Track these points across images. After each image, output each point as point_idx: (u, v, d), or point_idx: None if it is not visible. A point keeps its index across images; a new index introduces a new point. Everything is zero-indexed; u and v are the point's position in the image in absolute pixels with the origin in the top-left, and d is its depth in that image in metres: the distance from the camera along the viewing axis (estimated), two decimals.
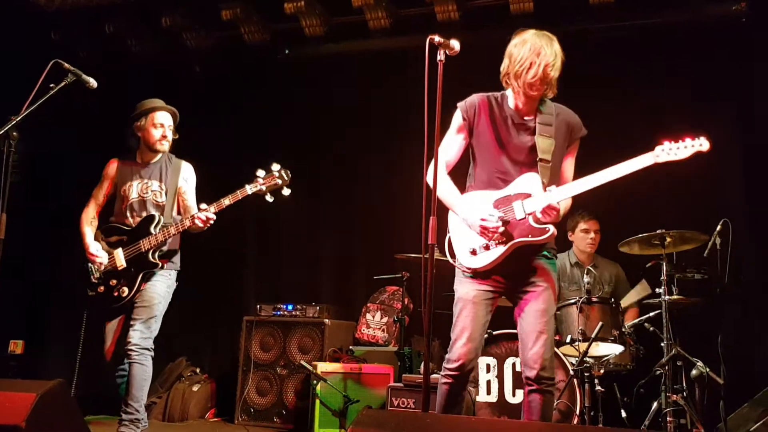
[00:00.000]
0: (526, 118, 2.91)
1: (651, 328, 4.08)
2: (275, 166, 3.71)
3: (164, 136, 3.96)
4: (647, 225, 3.89)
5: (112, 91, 4.29)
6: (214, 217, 3.72)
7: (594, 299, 4.00)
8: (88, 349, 4.00)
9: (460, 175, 3.03)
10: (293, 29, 5.73)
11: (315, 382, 4.62)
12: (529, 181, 2.83)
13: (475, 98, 2.96)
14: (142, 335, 3.70)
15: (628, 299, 4.48)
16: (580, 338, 3.88)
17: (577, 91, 5.04)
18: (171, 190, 3.95)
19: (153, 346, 3.78)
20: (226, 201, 3.71)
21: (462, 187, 3.00)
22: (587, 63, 5.25)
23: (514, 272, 2.85)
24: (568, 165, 2.97)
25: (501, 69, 2.88)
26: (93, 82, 3.24)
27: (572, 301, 4.03)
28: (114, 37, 6.01)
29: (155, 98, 4.06)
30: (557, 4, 5.20)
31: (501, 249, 2.80)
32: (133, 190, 3.95)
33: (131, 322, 3.72)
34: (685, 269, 3.96)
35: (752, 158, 4.86)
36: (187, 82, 6.11)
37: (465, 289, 2.88)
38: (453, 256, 2.94)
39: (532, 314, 2.79)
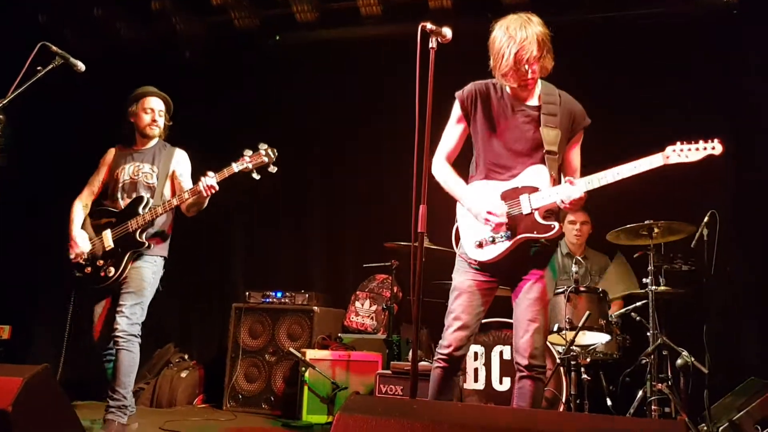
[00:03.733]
0: (527, 103, 2.86)
1: (637, 318, 4.12)
2: (262, 145, 3.74)
3: (154, 121, 3.99)
4: (636, 216, 3.92)
5: (100, 74, 4.26)
6: (217, 187, 3.71)
7: (582, 289, 4.02)
8: (75, 332, 3.99)
9: (462, 165, 3.02)
10: (284, 15, 5.70)
11: (303, 369, 4.64)
12: (537, 175, 2.79)
13: (472, 87, 2.92)
14: (129, 321, 3.70)
15: (616, 290, 4.51)
16: (568, 327, 3.91)
17: (571, 80, 5.11)
18: (163, 174, 3.96)
19: (140, 333, 3.78)
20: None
21: (465, 177, 2.99)
22: (581, 52, 5.26)
23: (515, 263, 2.83)
24: (575, 155, 2.92)
25: (491, 66, 2.82)
26: (81, 66, 3.21)
27: (560, 290, 4.06)
28: (102, 20, 5.95)
29: (148, 86, 4.07)
30: None
31: (507, 244, 2.79)
32: (126, 172, 3.97)
33: (117, 308, 3.72)
34: (672, 260, 3.99)
35: (741, 149, 4.89)
36: (177, 66, 6.07)
37: (461, 279, 2.87)
38: (458, 244, 2.93)
39: (526, 302, 2.79)
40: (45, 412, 2.35)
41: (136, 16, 5.98)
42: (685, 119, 4.94)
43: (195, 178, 3.93)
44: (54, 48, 3.11)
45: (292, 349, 4.87)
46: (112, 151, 4.10)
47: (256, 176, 3.74)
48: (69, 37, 5.92)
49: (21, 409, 2.19)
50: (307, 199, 5.99)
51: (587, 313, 3.86)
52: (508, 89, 2.88)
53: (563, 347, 3.86)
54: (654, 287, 3.85)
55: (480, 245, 2.83)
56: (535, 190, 2.78)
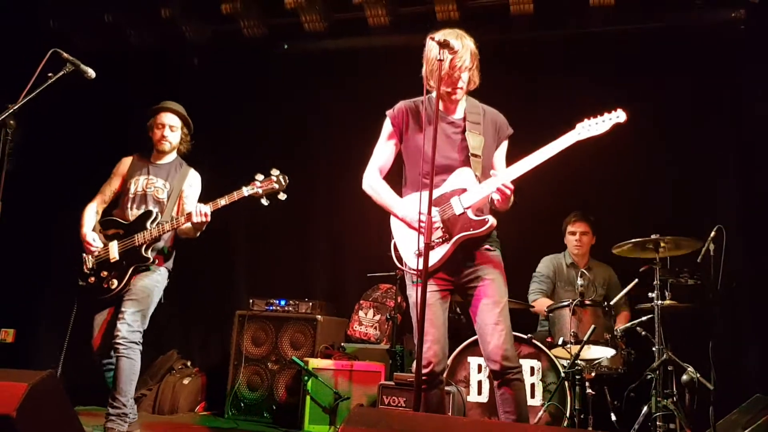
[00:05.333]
0: (453, 117, 2.98)
1: (643, 332, 4.10)
2: (274, 171, 3.73)
3: (164, 137, 4.00)
4: (642, 229, 3.91)
5: (109, 80, 4.28)
6: (210, 216, 3.71)
7: (587, 302, 4.01)
8: (78, 339, 3.99)
9: (393, 182, 3.09)
10: (293, 24, 5.72)
11: (306, 378, 4.62)
12: (462, 176, 2.89)
13: (402, 104, 3.05)
14: (130, 329, 3.69)
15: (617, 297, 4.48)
16: (572, 340, 3.89)
17: (574, 91, 5.13)
18: (174, 191, 3.97)
19: (141, 340, 3.77)
20: (222, 201, 3.71)
21: (397, 193, 3.05)
22: (585, 64, 5.27)
23: (459, 268, 2.88)
24: (500, 161, 3.03)
25: (422, 75, 2.94)
26: (91, 72, 3.23)
27: (565, 303, 4.04)
28: (113, 27, 5.99)
29: (169, 100, 4.10)
30: (557, 6, 5.21)
31: (446, 247, 2.84)
32: (138, 184, 3.98)
33: (119, 315, 3.72)
34: (678, 274, 3.98)
35: (747, 164, 4.89)
36: (185, 74, 6.09)
37: (416, 294, 2.85)
38: (400, 260, 2.95)
39: (485, 307, 2.82)
40: (49, 418, 2.35)
41: (145, 24, 6.01)
42: (692, 134, 4.93)
43: (203, 194, 3.96)
44: (65, 55, 3.13)
45: (294, 358, 4.86)
46: (127, 161, 4.11)
47: (264, 202, 3.74)
48: (79, 44, 5.96)
49: (25, 415, 2.19)
50: (311, 206, 5.99)
51: (592, 326, 3.85)
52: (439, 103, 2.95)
53: (568, 361, 3.85)
54: (660, 302, 3.83)
55: (420, 254, 2.83)
56: (463, 191, 2.87)
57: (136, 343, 3.72)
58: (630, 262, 4.24)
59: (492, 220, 2.83)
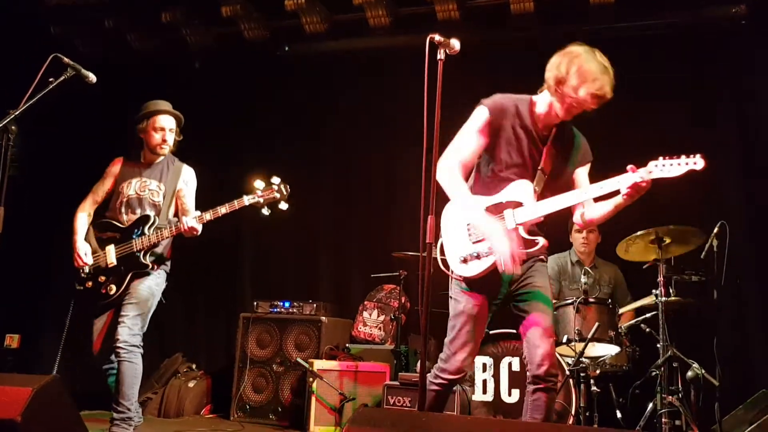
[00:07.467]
0: (542, 127, 2.83)
1: (647, 329, 4.09)
2: (275, 179, 3.68)
3: (164, 140, 3.94)
4: (646, 227, 3.89)
5: (111, 85, 4.29)
6: (198, 230, 3.69)
7: (591, 300, 4.00)
8: (81, 343, 3.99)
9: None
10: (293, 26, 5.73)
11: (311, 379, 4.63)
12: (521, 189, 2.76)
13: (504, 101, 2.84)
14: (131, 332, 3.66)
15: (628, 306, 4.46)
16: (577, 338, 3.89)
17: None
18: (169, 192, 3.92)
19: (142, 343, 3.73)
20: (223, 209, 3.68)
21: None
22: None
23: (510, 280, 2.82)
24: (584, 179, 2.91)
25: (557, 74, 2.69)
26: (92, 77, 3.22)
27: (569, 301, 4.04)
28: (114, 31, 6.01)
29: (160, 100, 4.02)
30: (557, 4, 5.20)
31: (492, 259, 2.71)
32: (131, 187, 3.92)
33: (119, 319, 3.68)
34: (682, 271, 3.97)
35: (751, 160, 4.87)
36: (186, 77, 6.11)
37: (466, 303, 2.81)
38: (446, 264, 2.85)
39: (539, 317, 2.74)
40: (54, 422, 2.35)
41: (146, 28, 6.03)
42: (696, 132, 4.92)
43: (198, 188, 3.93)
44: (66, 59, 3.12)
45: (299, 360, 4.87)
46: (118, 163, 4.04)
47: (265, 212, 3.70)
48: (80, 49, 5.98)
49: (30, 419, 2.20)
50: (315, 208, 5.99)
51: (596, 324, 3.84)
52: (539, 108, 2.83)
53: (573, 359, 3.84)
54: (664, 298, 3.82)
55: (464, 261, 2.78)
56: (519, 204, 2.75)
57: (137, 346, 3.69)
58: (635, 262, 4.24)
59: (542, 242, 2.72)
